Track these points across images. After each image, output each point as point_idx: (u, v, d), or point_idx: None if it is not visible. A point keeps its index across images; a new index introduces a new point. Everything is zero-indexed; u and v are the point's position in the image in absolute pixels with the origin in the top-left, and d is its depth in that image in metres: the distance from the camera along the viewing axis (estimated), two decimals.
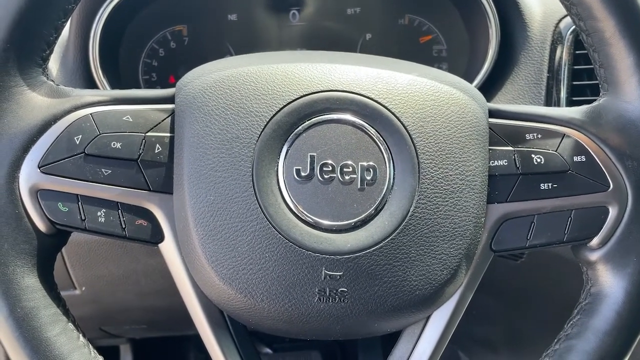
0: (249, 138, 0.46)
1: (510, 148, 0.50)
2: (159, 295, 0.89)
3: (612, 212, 0.49)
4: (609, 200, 0.49)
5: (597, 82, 0.53)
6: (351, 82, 0.48)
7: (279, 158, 0.46)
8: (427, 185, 0.47)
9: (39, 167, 0.46)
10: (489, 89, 0.79)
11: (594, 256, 0.51)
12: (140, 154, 0.47)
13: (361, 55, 0.57)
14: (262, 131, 0.46)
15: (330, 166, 0.46)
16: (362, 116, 0.47)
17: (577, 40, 0.77)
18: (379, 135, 0.47)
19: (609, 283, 0.50)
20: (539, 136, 0.50)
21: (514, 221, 0.50)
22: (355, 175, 0.46)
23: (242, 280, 0.46)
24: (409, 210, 0.46)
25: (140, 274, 0.84)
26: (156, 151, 0.47)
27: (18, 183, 0.46)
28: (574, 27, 0.77)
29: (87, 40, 0.75)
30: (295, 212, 0.46)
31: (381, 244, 0.46)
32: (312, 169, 0.46)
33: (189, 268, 0.48)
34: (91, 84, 0.77)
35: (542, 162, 0.49)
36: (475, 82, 0.78)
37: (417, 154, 0.47)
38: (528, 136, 0.50)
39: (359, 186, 0.46)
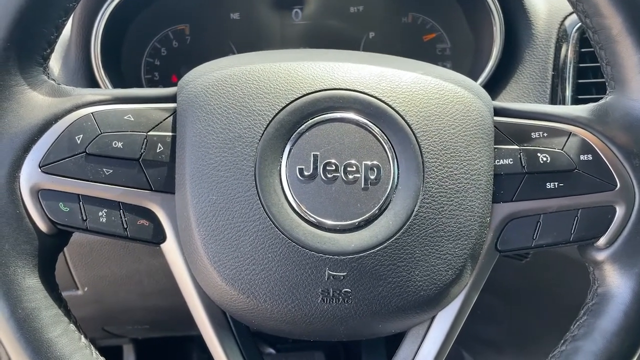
0: (252, 137, 0.46)
1: (516, 147, 0.49)
2: (162, 296, 0.89)
3: (619, 211, 0.49)
4: (616, 199, 0.49)
5: (602, 80, 0.52)
6: (354, 80, 0.47)
7: (281, 157, 0.46)
8: (431, 185, 0.46)
9: (40, 167, 0.45)
10: (493, 87, 0.79)
11: (600, 256, 0.50)
12: (141, 154, 0.47)
13: (364, 53, 0.57)
14: (264, 130, 0.46)
15: (333, 165, 0.46)
16: (366, 115, 0.47)
17: (583, 38, 0.76)
18: (382, 134, 0.46)
19: (616, 283, 0.49)
20: (545, 135, 0.50)
21: (519, 221, 0.49)
22: (358, 175, 0.46)
23: (244, 281, 0.45)
24: (413, 210, 0.46)
25: (143, 274, 0.84)
26: (158, 150, 0.47)
27: (19, 183, 0.45)
28: (579, 24, 0.76)
29: (89, 39, 0.75)
30: (298, 211, 0.46)
31: (385, 244, 0.45)
32: (315, 168, 0.46)
33: (191, 268, 0.48)
34: (93, 83, 0.76)
35: (548, 161, 0.49)
36: (480, 80, 0.78)
37: (421, 153, 0.46)
38: (534, 135, 0.50)
39: (362, 185, 0.46)
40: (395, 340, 0.53)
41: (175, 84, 0.50)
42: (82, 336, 0.48)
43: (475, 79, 0.77)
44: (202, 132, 0.46)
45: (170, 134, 0.48)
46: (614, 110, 0.50)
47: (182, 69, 0.85)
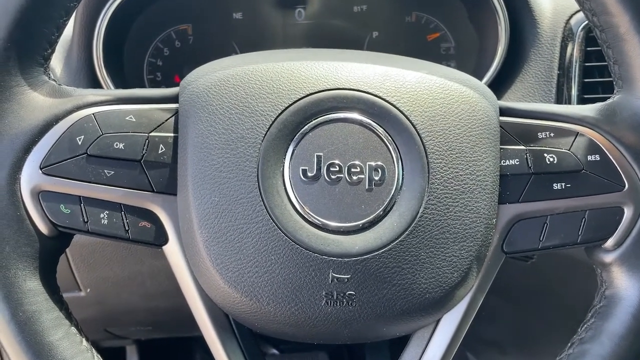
0: (254, 138, 0.45)
1: (522, 147, 0.49)
2: (165, 297, 0.89)
3: (628, 212, 0.48)
4: (624, 200, 0.48)
5: (608, 79, 0.52)
6: (358, 80, 0.47)
7: (284, 158, 0.45)
8: (436, 186, 0.46)
9: (41, 168, 0.45)
10: (498, 87, 0.78)
11: (608, 258, 0.49)
12: (143, 155, 0.46)
13: (368, 52, 0.56)
14: (267, 131, 0.45)
15: (337, 166, 0.45)
16: (370, 115, 0.46)
17: (589, 37, 0.76)
18: (387, 134, 0.46)
19: (625, 285, 0.48)
20: (552, 135, 0.49)
21: (526, 222, 0.49)
22: (363, 176, 0.45)
23: (247, 283, 0.45)
24: (418, 211, 0.45)
25: (145, 276, 0.83)
26: (160, 152, 0.47)
27: (19, 184, 0.45)
28: (585, 23, 0.76)
29: (91, 39, 0.74)
30: (302, 213, 0.45)
31: (390, 246, 0.45)
32: (319, 169, 0.45)
33: (193, 271, 0.47)
34: (95, 84, 0.76)
35: (555, 162, 0.48)
36: (484, 79, 0.77)
37: (426, 153, 0.46)
38: (540, 135, 0.49)
39: (366, 187, 0.45)
40: (399, 342, 0.53)
41: (177, 84, 0.50)
42: (84, 339, 0.47)
43: (480, 79, 0.77)
44: (204, 133, 0.46)
45: (172, 134, 0.47)
46: (621, 109, 0.49)
47: (184, 69, 0.84)
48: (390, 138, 0.46)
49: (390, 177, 0.45)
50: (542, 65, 0.76)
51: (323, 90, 0.46)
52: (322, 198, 0.45)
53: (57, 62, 0.77)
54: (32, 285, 0.45)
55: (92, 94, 0.48)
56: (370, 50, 0.85)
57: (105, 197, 0.46)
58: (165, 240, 0.48)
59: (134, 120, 0.47)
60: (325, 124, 0.46)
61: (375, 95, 0.46)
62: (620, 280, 0.49)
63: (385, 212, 0.45)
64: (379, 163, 0.45)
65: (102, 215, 0.46)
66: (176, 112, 0.48)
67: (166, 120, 0.48)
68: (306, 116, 0.46)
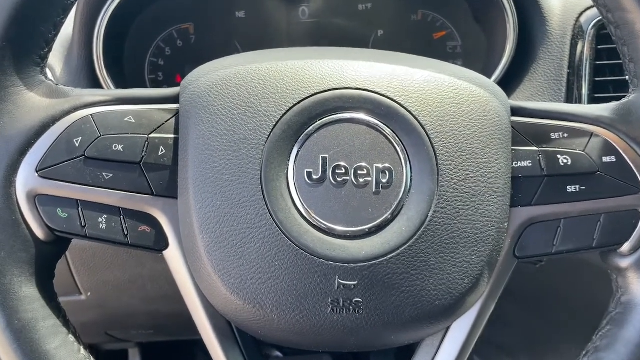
0: (258, 139, 0.44)
1: (535, 148, 0.47)
2: (166, 301, 0.88)
3: None
4: None
5: (620, 77, 0.50)
6: (365, 79, 0.45)
7: (289, 160, 0.44)
8: (446, 189, 0.44)
9: (37, 171, 0.44)
10: (506, 86, 0.77)
11: (624, 263, 0.48)
12: (143, 157, 0.45)
13: (375, 51, 0.55)
14: (271, 132, 0.44)
15: (343, 168, 0.44)
16: (377, 115, 0.45)
17: (599, 34, 0.74)
18: (395, 135, 0.45)
19: None
20: (565, 135, 0.48)
21: (538, 226, 0.48)
22: (370, 178, 0.44)
23: (250, 290, 0.44)
24: (427, 215, 0.44)
25: (146, 279, 0.83)
26: (160, 153, 0.46)
27: (15, 188, 0.44)
28: (596, 20, 0.75)
29: (91, 38, 0.74)
30: (307, 217, 0.44)
31: (398, 251, 0.43)
32: (324, 171, 0.44)
33: (194, 276, 0.46)
34: (96, 84, 0.75)
35: (568, 163, 0.47)
36: (492, 79, 0.76)
37: (435, 155, 0.45)
38: (553, 135, 0.48)
39: (374, 189, 0.44)
40: (406, 349, 0.52)
41: (179, 84, 0.49)
42: (82, 348, 0.46)
43: (488, 78, 0.75)
44: (206, 134, 0.45)
45: (172, 136, 0.46)
46: (637, 109, 0.48)
47: (186, 68, 0.84)
48: (398, 139, 0.45)
49: (398, 179, 0.44)
50: (551, 64, 0.75)
51: (328, 90, 0.45)
52: (328, 201, 0.44)
53: (57, 61, 0.76)
54: (28, 292, 0.44)
55: (90, 94, 0.47)
56: (375, 49, 0.84)
57: (103, 200, 0.45)
58: (165, 245, 0.47)
59: (134, 121, 0.46)
60: (330, 125, 0.45)
61: (383, 95, 0.45)
62: (637, 286, 0.48)
63: (393, 216, 0.44)
64: (387, 165, 0.44)
65: (100, 220, 0.45)
66: (177, 113, 0.47)
67: (166, 121, 0.46)
68: (311, 117, 0.45)
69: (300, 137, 0.44)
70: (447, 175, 0.44)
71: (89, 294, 0.83)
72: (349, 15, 0.83)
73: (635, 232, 0.47)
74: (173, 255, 0.47)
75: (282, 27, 0.84)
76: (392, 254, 0.43)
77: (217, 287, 0.44)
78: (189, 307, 0.48)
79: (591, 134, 0.48)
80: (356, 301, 0.43)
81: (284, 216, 0.43)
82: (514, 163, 0.47)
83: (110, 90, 0.49)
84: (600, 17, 0.74)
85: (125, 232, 0.46)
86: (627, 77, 0.49)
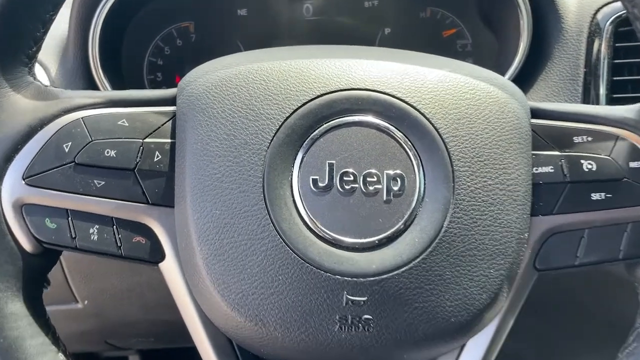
0: (259, 144, 0.42)
1: (557, 153, 0.45)
2: (166, 309, 0.86)
3: None
4: None
5: (639, 77, 0.47)
6: (374, 79, 0.44)
7: (293, 166, 0.42)
8: (462, 197, 0.42)
9: (24, 179, 0.43)
10: (519, 86, 0.73)
11: None
12: (137, 163, 0.43)
13: (384, 49, 0.53)
14: (273, 136, 0.42)
15: (351, 175, 0.42)
16: (388, 118, 0.43)
17: (617, 31, 0.72)
18: (406, 139, 0.43)
19: None
20: (589, 139, 0.46)
21: (561, 236, 0.46)
22: (380, 186, 0.42)
23: (252, 306, 0.42)
24: (442, 226, 0.42)
25: (144, 287, 0.81)
26: (155, 159, 0.44)
27: (0, 197, 0.43)
28: (613, 17, 0.72)
29: (87, 38, 0.72)
30: (312, 228, 0.42)
31: (411, 265, 0.41)
32: (331, 178, 0.42)
33: (192, 291, 0.45)
34: (92, 85, 0.74)
35: (593, 169, 0.45)
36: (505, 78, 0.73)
37: (450, 160, 0.43)
38: (576, 139, 0.46)
39: (384, 198, 0.42)
40: None
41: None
42: None
43: None
44: (204, 139, 0.43)
45: (169, 140, 0.45)
46: None
47: (186, 69, 0.81)
48: (410, 143, 0.43)
49: (411, 187, 0.42)
50: (567, 63, 0.73)
51: (335, 91, 0.43)
52: (335, 211, 0.42)
53: (52, 62, 0.75)
54: (14, 309, 0.43)
55: (81, 96, 0.46)
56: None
57: (95, 210, 0.43)
58: (161, 257, 0.45)
59: (127, 124, 0.44)
60: (337, 129, 0.43)
61: (393, 96, 0.43)
62: None
63: (406, 227, 0.42)
64: (398, 171, 0.42)
65: (91, 230, 0.44)
66: (173, 116, 0.45)
67: (162, 125, 0.45)
68: (317, 120, 0.43)
69: (305, 142, 0.43)
70: (463, 182, 0.42)
71: (85, 302, 0.81)
72: (355, 13, 0.82)
73: None
74: (170, 267, 0.45)
75: (286, 25, 0.82)
76: (405, 268, 0.41)
77: (217, 302, 0.42)
78: (187, 322, 0.47)
79: (617, 137, 0.46)
80: (366, 318, 0.41)
81: (287, 227, 0.42)
82: (534, 169, 0.45)
83: (102, 92, 0.47)
84: (618, 14, 0.72)
85: (119, 244, 0.44)
86: None
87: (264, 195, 0.41)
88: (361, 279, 0.41)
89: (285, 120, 0.42)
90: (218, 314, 0.43)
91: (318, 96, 0.43)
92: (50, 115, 0.44)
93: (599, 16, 0.72)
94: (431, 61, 0.47)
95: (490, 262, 0.42)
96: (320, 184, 0.42)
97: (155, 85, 0.82)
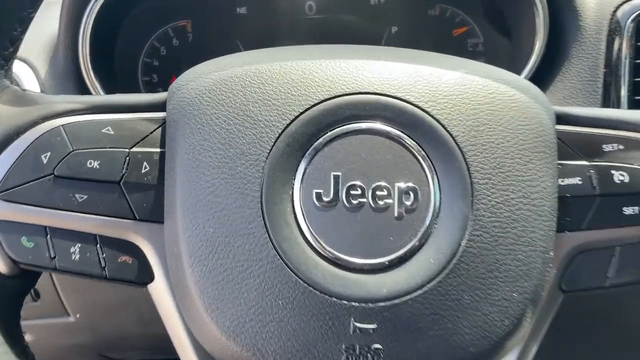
0: (257, 154, 0.40)
1: (585, 162, 0.43)
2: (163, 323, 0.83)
3: None
4: None
5: None
6: (383, 82, 0.41)
7: (294, 179, 0.40)
8: (482, 212, 0.39)
9: None
10: None
11: None
12: (123, 175, 0.41)
13: (393, 49, 0.51)
14: (273, 145, 0.40)
15: (359, 189, 0.40)
16: (399, 125, 0.40)
17: (639, 29, 0.69)
18: (420, 148, 0.40)
19: None
20: (620, 147, 0.43)
21: (590, 254, 0.43)
22: (390, 200, 0.39)
23: (249, 335, 0.39)
24: (459, 245, 0.39)
25: (140, 300, 0.79)
26: (143, 171, 0.42)
27: None
28: (635, 14, 0.71)
29: (77, 37, 0.70)
30: (316, 247, 0.39)
31: (425, 288, 0.39)
32: (337, 192, 0.40)
33: (183, 316, 0.42)
34: (83, 88, 0.73)
35: (625, 180, 0.42)
36: None
37: (469, 172, 0.40)
38: (606, 147, 0.43)
39: (395, 214, 0.39)
40: None
41: None
42: None
43: None
44: (197, 148, 0.40)
45: (158, 150, 0.42)
46: None
47: (183, 70, 0.78)
48: (424, 153, 0.40)
49: (425, 201, 0.40)
50: (585, 63, 0.70)
51: (340, 95, 0.41)
52: (341, 228, 0.39)
53: (42, 63, 0.73)
54: None
55: (61, 102, 0.43)
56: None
57: (76, 227, 0.42)
58: (150, 278, 0.43)
59: (112, 132, 0.42)
60: (343, 137, 0.40)
61: (405, 101, 0.41)
62: None
63: (419, 246, 0.39)
64: (411, 184, 0.40)
65: (72, 249, 0.42)
66: (163, 123, 0.43)
67: (151, 133, 0.43)
68: (320, 127, 0.40)
69: (308, 152, 0.40)
70: (482, 196, 0.40)
71: (77, 315, 0.79)
72: (360, 11, 0.80)
73: None
74: (159, 289, 0.43)
75: (287, 24, 0.81)
76: (418, 292, 0.39)
77: (210, 329, 0.40)
78: (177, 349, 0.44)
79: None
80: (375, 348, 0.39)
81: (288, 246, 0.39)
82: (560, 180, 0.42)
83: (85, 97, 0.44)
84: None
85: (103, 264, 0.42)
86: None
87: (262, 211, 0.39)
88: (370, 304, 0.38)
89: (285, 127, 0.40)
90: (212, 342, 0.40)
91: (322, 101, 0.40)
92: (27, 122, 0.41)
93: (619, 13, 0.70)
94: (445, 62, 0.44)
95: (513, 284, 0.39)
96: (325, 199, 0.40)
97: (150, 87, 0.81)
